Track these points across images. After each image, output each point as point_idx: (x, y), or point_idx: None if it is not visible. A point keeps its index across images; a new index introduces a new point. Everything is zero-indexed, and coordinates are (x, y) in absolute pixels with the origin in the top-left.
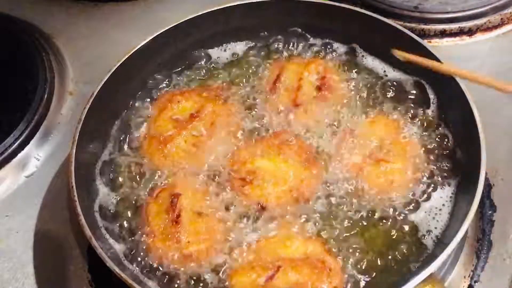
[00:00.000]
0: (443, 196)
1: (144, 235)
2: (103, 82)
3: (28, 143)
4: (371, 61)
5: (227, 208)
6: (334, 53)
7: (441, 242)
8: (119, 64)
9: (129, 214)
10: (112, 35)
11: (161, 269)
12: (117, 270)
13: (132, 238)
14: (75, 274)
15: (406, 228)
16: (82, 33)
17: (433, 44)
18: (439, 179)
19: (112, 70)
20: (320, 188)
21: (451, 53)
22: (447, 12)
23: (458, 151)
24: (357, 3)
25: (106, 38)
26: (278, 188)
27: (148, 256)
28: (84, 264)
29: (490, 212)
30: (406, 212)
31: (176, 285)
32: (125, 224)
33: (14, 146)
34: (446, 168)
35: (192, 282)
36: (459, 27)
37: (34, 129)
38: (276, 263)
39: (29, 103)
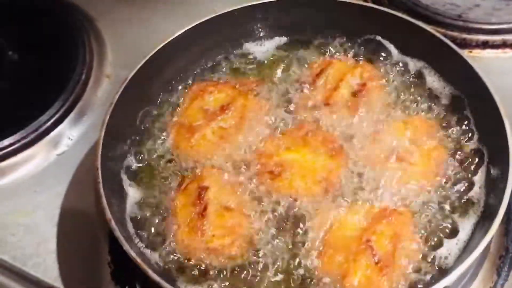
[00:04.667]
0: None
1: (169, 226)
2: (137, 68)
3: (62, 122)
4: (412, 67)
5: (256, 203)
6: (376, 57)
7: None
8: (154, 51)
9: (155, 202)
10: (154, 21)
11: (182, 259)
12: (132, 253)
13: (157, 227)
14: (95, 254)
15: None
16: (125, 18)
17: (474, 55)
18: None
19: (147, 57)
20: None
21: (491, 65)
22: (491, 23)
23: (488, 167)
24: (402, 9)
25: (148, 24)
26: (307, 179)
27: (170, 245)
28: (105, 246)
29: None
30: None
31: (194, 277)
32: (151, 212)
33: (48, 124)
34: (473, 180)
35: (212, 275)
36: (502, 39)
37: (69, 109)
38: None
39: (66, 83)
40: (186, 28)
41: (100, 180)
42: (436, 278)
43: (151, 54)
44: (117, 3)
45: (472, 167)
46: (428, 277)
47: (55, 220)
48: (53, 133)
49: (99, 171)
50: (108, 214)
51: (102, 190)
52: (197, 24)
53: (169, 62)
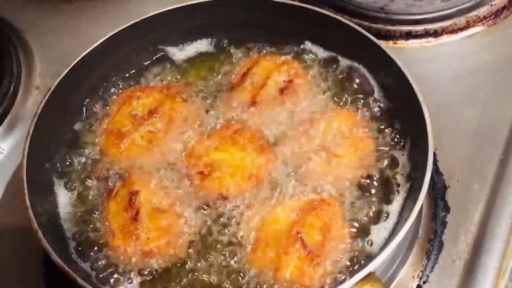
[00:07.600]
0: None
1: (104, 233)
2: (61, 77)
3: None
4: (337, 61)
5: (187, 203)
6: (303, 53)
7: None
8: (78, 59)
9: (87, 212)
10: (82, 31)
11: (118, 265)
12: (60, 262)
13: (91, 236)
14: (29, 268)
15: None
16: (52, 29)
17: (399, 45)
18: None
19: (71, 65)
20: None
21: (416, 55)
22: (413, 14)
23: (411, 153)
24: (327, 5)
25: (76, 33)
26: (236, 177)
27: (106, 253)
28: (39, 261)
29: (443, 213)
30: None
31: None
32: (84, 221)
33: None
34: (398, 168)
35: (151, 277)
36: (424, 29)
37: None
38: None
39: None
40: (110, 34)
41: (26, 191)
42: (363, 264)
43: (75, 62)
44: (44, 13)
45: (396, 154)
46: (358, 263)
47: None
48: None
49: (25, 182)
50: (35, 225)
51: (28, 202)
52: (121, 30)
53: (95, 69)
